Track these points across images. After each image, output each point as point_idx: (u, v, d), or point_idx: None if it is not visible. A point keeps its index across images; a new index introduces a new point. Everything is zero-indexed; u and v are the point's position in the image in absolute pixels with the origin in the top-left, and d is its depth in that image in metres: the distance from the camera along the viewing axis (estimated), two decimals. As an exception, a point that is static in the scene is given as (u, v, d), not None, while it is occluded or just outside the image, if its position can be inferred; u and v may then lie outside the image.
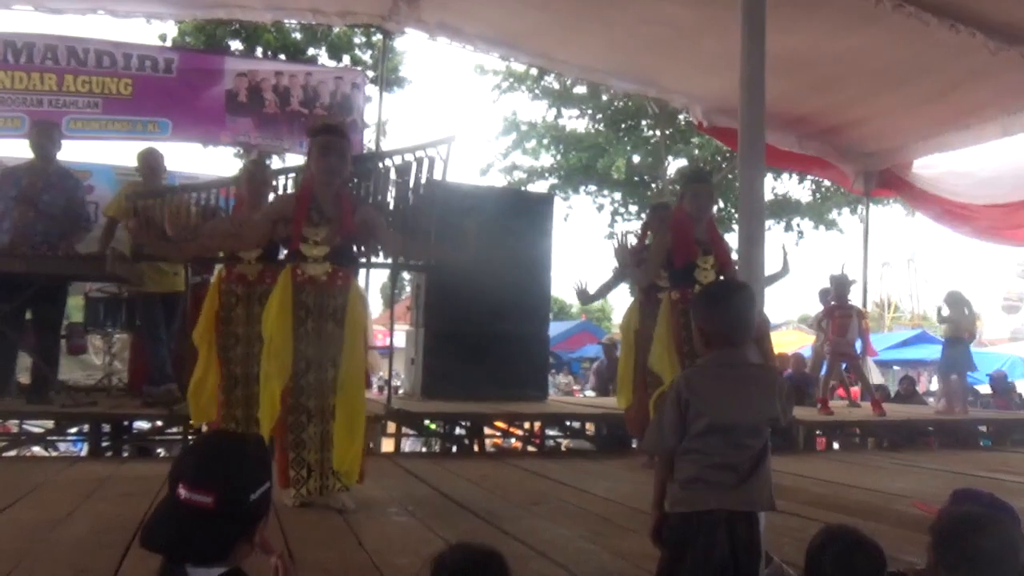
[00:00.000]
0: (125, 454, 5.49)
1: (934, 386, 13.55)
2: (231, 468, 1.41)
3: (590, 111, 17.74)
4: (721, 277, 4.57)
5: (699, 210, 4.64)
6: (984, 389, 12.63)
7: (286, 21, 11.14)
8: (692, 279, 4.54)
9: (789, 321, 23.44)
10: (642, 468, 4.78)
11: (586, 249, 55.45)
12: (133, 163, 6.11)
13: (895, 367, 17.08)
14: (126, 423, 5.51)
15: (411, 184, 5.01)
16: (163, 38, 13.06)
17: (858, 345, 8.19)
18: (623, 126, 17.78)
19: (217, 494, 1.35)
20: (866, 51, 6.19)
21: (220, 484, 1.37)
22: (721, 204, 19.69)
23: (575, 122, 18.37)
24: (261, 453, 1.52)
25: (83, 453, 6.09)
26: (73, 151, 8.76)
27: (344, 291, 3.58)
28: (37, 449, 6.78)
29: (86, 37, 8.12)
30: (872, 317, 19.04)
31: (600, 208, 18.81)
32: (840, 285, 8.11)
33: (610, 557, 2.82)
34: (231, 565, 1.39)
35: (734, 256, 4.19)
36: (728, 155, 14.95)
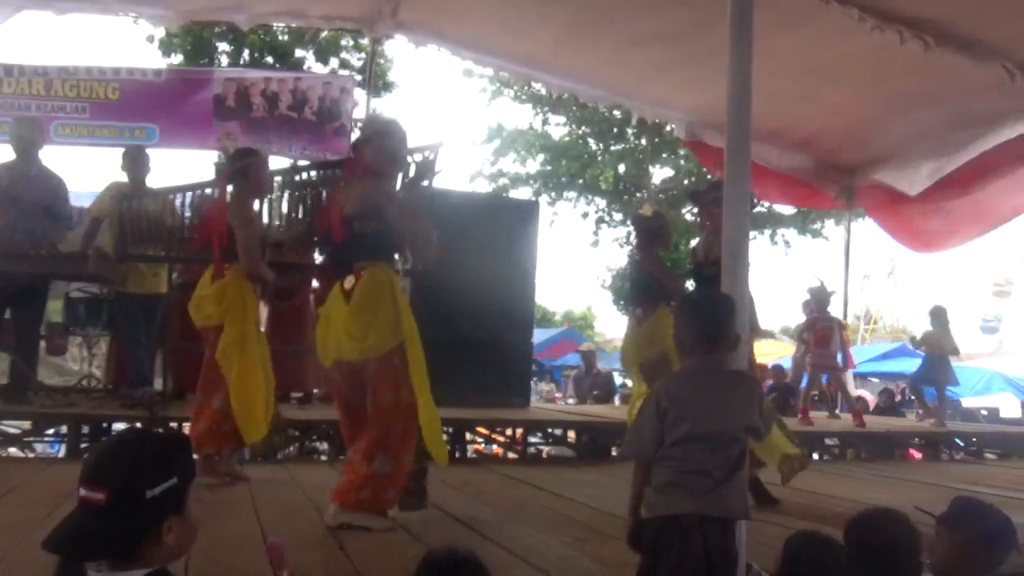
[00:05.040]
0: (104, 456, 5.42)
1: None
2: (125, 464, 1.35)
3: (576, 118, 17.82)
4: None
5: None
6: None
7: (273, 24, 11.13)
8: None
9: (770, 332, 23.55)
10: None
11: (571, 256, 55.48)
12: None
13: (874, 379, 17.19)
14: (105, 424, 5.45)
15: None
16: (151, 39, 13.04)
17: (839, 357, 8.25)
18: (611, 134, 17.87)
19: (109, 490, 1.32)
20: (847, 64, 6.25)
21: (112, 480, 1.33)
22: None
23: (561, 129, 18.47)
24: (166, 449, 1.42)
25: (60, 455, 6.03)
26: (60, 158, 8.74)
27: None
28: (13, 450, 6.70)
29: (77, 66, 8.14)
30: (852, 329, 19.16)
31: (585, 215, 18.90)
32: (820, 297, 8.15)
33: (592, 563, 2.84)
34: (146, 567, 1.34)
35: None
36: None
